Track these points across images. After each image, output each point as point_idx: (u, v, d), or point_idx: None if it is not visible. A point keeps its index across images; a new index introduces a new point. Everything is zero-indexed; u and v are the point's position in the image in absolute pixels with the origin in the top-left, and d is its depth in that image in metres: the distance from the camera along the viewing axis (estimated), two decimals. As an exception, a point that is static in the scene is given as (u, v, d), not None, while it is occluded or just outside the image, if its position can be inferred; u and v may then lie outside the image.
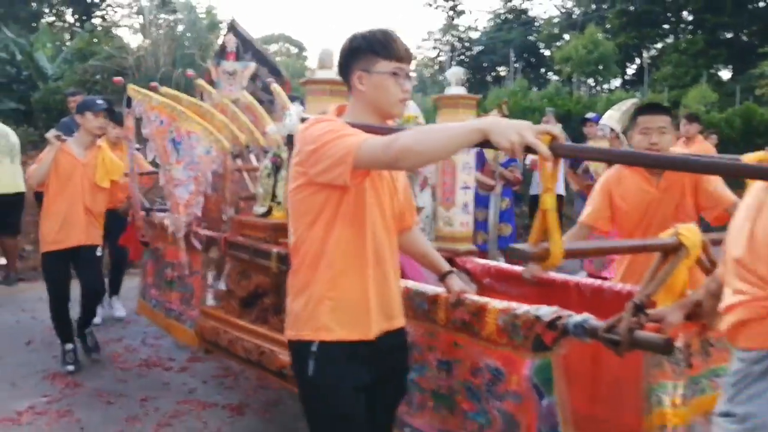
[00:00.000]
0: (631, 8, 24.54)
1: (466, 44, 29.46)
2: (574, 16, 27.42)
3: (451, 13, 30.17)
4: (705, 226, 2.18)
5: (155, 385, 3.85)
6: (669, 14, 25.19)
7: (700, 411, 1.92)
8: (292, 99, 3.62)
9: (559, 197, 6.85)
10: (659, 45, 26.04)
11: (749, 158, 1.37)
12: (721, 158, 1.97)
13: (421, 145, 1.54)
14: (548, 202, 1.34)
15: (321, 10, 74.30)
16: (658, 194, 2.75)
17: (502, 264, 3.05)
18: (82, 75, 10.26)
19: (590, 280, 2.61)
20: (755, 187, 1.26)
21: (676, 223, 1.93)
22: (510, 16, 29.44)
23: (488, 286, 2.87)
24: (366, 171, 1.70)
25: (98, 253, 4.16)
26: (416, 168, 1.85)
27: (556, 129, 1.38)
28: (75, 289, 4.20)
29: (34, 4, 18.04)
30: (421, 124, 3.37)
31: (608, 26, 25.07)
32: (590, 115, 7.54)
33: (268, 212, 3.18)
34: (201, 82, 4.21)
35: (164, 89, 3.90)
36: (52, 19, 18.90)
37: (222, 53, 3.77)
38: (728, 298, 1.21)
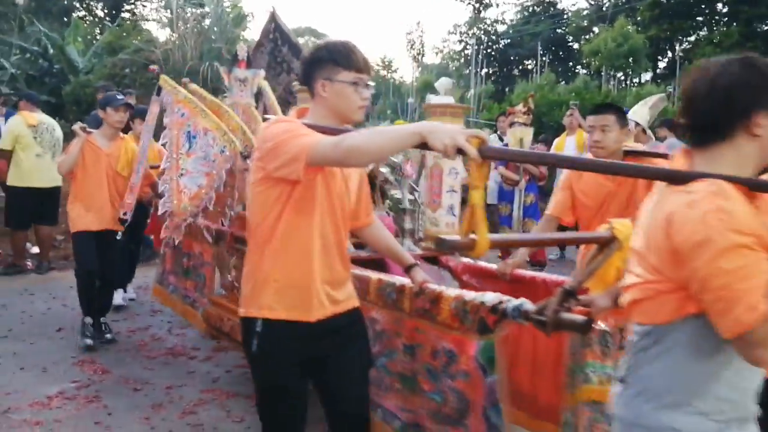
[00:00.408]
0: (664, 0, 24.05)
1: (493, 37, 29.20)
2: (604, 9, 26.96)
3: (477, 5, 29.94)
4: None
5: (180, 374, 3.91)
6: (703, 6, 24.60)
7: None
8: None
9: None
10: (692, 38, 25.47)
11: None
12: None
13: (367, 145, 1.68)
14: (476, 198, 1.48)
15: (347, 4, 74.26)
16: (614, 187, 2.95)
17: (480, 263, 3.23)
18: (111, 68, 10.43)
19: (555, 276, 2.86)
20: (657, 185, 1.38)
21: (629, 214, 2.05)
22: (538, 9, 29.10)
23: (467, 282, 3.13)
24: (318, 167, 1.85)
25: (117, 237, 4.47)
26: (363, 165, 2.01)
27: (484, 134, 1.51)
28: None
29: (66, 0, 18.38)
30: None
31: (639, 18, 24.59)
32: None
33: None
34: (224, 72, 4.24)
35: (193, 86, 4.01)
36: (83, 13, 19.23)
37: (234, 61, 3.94)
38: (627, 279, 1.37)
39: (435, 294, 2.29)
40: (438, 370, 2.32)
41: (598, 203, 3.01)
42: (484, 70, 23.41)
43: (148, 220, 5.17)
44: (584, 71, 24.47)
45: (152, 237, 4.91)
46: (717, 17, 24.96)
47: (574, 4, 37.71)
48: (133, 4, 19.23)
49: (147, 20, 17.05)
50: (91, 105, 7.91)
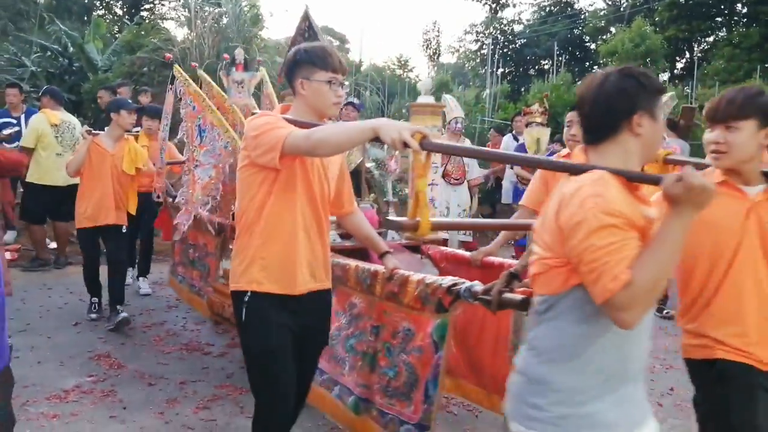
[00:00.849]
0: (682, 0, 23.78)
1: (509, 37, 29.07)
2: (621, 9, 26.73)
3: (494, 5, 29.82)
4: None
5: (195, 369, 3.95)
6: (722, 6, 24.31)
7: None
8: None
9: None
10: (710, 38, 25.18)
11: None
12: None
13: (331, 137, 1.94)
14: (420, 186, 1.68)
15: (364, 3, 74.35)
16: None
17: (456, 251, 3.66)
18: (129, 67, 10.51)
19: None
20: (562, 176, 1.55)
21: None
22: (555, 9, 28.91)
23: (445, 269, 3.41)
24: (294, 156, 2.08)
25: (123, 230, 4.84)
26: (329, 155, 2.17)
27: (426, 130, 1.73)
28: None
29: (86, -2, 18.56)
30: None
31: (657, 19, 24.34)
32: None
33: None
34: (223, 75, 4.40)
35: (200, 72, 4.23)
36: (102, 12, 19.43)
37: (232, 64, 4.16)
38: (531, 256, 1.56)
39: (402, 278, 2.55)
40: (395, 347, 2.59)
41: None
42: (500, 70, 23.31)
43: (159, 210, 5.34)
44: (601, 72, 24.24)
45: (161, 229, 5.15)
46: (736, 18, 24.64)
47: (591, 5, 37.40)
48: (152, 2, 19.39)
49: (165, 19, 17.17)
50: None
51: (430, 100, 4.27)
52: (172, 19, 16.16)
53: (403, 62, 30.61)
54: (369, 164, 4.15)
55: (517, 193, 6.98)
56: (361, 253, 3.36)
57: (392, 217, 1.80)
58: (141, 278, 5.83)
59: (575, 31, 27.86)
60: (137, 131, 5.14)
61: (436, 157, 6.80)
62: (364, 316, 2.80)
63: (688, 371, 2.06)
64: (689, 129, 7.81)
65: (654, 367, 4.23)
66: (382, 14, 70.72)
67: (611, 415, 1.43)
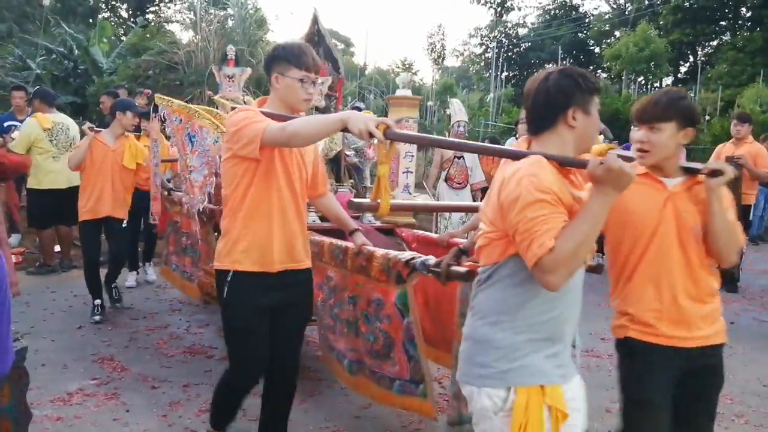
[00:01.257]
0: (687, 4, 23.76)
1: (514, 41, 29.08)
2: (626, 13, 26.72)
3: (499, 9, 29.84)
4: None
5: (197, 372, 3.96)
6: (726, 11, 24.29)
7: None
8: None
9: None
10: (715, 42, 25.15)
11: (594, 150, 1.82)
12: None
13: (304, 129, 2.11)
14: (382, 171, 1.89)
15: (369, 6, 74.42)
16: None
17: (426, 233, 3.94)
18: (134, 69, 10.55)
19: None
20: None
21: None
22: (559, 13, 28.92)
23: (416, 249, 3.61)
24: (272, 147, 2.25)
25: (123, 224, 5.01)
26: (303, 145, 2.33)
27: (390, 121, 1.90)
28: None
29: (91, 1, 18.65)
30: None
31: (661, 23, 24.33)
32: None
33: None
34: (218, 98, 4.55)
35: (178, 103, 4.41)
36: (108, 14, 19.51)
37: (223, 60, 4.41)
38: (478, 232, 1.76)
39: (369, 254, 2.79)
40: (371, 315, 2.85)
41: None
42: (505, 74, 23.33)
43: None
44: (605, 75, 24.26)
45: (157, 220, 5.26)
46: (740, 22, 24.60)
47: (596, 8, 37.40)
48: (158, 5, 19.47)
49: (171, 22, 17.24)
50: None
51: (408, 93, 4.51)
52: (177, 21, 16.25)
53: (407, 65, 30.65)
54: (348, 152, 4.38)
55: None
56: (338, 232, 3.48)
57: (356, 199, 2.19)
58: (147, 263, 6.11)
59: (580, 34, 27.87)
60: (138, 136, 5.26)
61: (436, 157, 6.84)
62: (340, 287, 3.07)
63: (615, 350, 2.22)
64: None
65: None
66: (387, 17, 70.82)
67: (546, 366, 1.64)
